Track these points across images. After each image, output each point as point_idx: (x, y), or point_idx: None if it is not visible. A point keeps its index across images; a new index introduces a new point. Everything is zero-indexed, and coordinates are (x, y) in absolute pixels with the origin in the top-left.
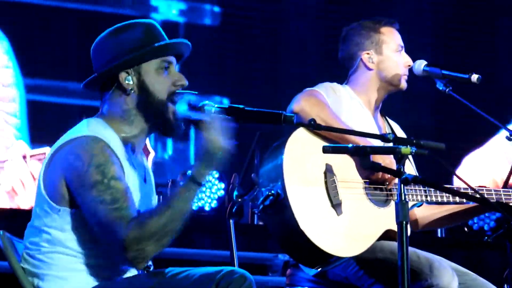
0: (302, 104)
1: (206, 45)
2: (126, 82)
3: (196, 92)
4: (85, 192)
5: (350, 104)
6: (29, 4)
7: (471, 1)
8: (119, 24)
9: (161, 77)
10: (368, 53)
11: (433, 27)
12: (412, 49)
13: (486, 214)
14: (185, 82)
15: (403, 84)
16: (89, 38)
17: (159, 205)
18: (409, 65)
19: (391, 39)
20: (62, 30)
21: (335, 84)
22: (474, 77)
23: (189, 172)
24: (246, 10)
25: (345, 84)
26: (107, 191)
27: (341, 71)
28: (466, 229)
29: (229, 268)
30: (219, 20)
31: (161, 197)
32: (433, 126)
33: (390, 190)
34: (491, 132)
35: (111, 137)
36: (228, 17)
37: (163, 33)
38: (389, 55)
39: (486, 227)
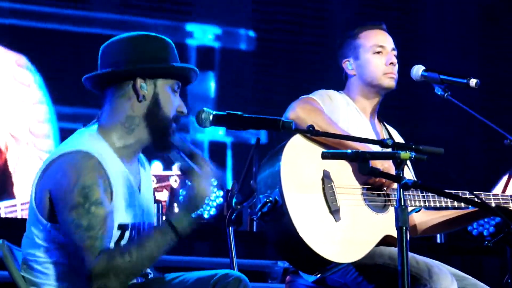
0: (298, 111)
1: (241, 70)
2: (141, 88)
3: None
4: (66, 212)
5: (346, 110)
6: (60, 31)
7: None
8: (138, 32)
9: (172, 97)
10: (348, 60)
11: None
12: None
13: (485, 220)
14: (185, 111)
15: (387, 83)
16: None
17: (131, 243)
18: (391, 63)
19: (367, 41)
20: (94, 57)
21: (331, 91)
22: (473, 82)
23: (170, 217)
24: (281, 35)
25: (341, 91)
26: (86, 216)
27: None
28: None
29: (224, 271)
30: (254, 44)
31: (158, 205)
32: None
33: (388, 195)
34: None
35: (104, 150)
36: (263, 42)
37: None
38: (365, 58)
39: (485, 233)
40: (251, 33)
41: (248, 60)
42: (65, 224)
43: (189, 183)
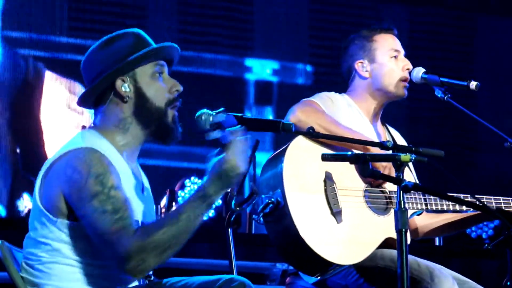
0: (298, 114)
1: None
2: (123, 89)
3: (222, 109)
4: (86, 204)
5: (348, 112)
6: None
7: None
8: (107, 36)
9: (157, 83)
10: (361, 62)
11: None
12: None
13: (484, 223)
14: (180, 88)
15: (402, 92)
16: (187, 99)
17: (167, 218)
18: (407, 69)
19: (383, 45)
20: None
21: (332, 93)
22: (473, 84)
23: (199, 186)
24: (339, 69)
25: (344, 93)
26: (108, 201)
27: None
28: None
29: (228, 276)
30: (312, 79)
31: (173, 204)
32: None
33: (390, 197)
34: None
35: (106, 147)
36: (321, 76)
37: (150, 39)
38: (382, 61)
39: (484, 236)
40: (309, 68)
41: (305, 94)
42: (87, 215)
43: (223, 154)
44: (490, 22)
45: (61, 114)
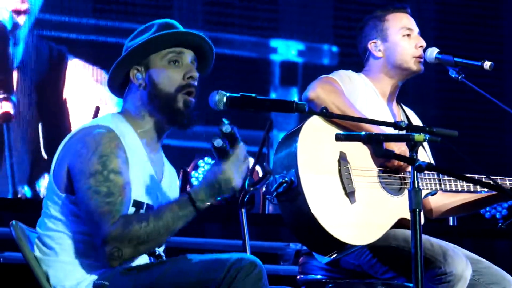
0: (318, 91)
1: None
2: (136, 78)
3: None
4: (84, 179)
5: (365, 92)
6: None
7: None
8: (139, 28)
9: (169, 70)
10: (374, 42)
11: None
12: None
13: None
14: (195, 74)
15: (417, 67)
16: (212, 80)
17: (150, 213)
18: (421, 46)
19: (395, 24)
20: None
21: (350, 72)
22: (487, 64)
23: (190, 189)
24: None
25: (360, 72)
26: (105, 183)
27: None
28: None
29: (239, 254)
30: (337, 60)
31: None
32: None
33: (404, 178)
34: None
35: (127, 131)
36: (346, 57)
37: (178, 26)
38: (394, 40)
39: (498, 215)
40: (334, 48)
41: None
42: (82, 191)
43: (219, 164)
44: None
45: (84, 96)
